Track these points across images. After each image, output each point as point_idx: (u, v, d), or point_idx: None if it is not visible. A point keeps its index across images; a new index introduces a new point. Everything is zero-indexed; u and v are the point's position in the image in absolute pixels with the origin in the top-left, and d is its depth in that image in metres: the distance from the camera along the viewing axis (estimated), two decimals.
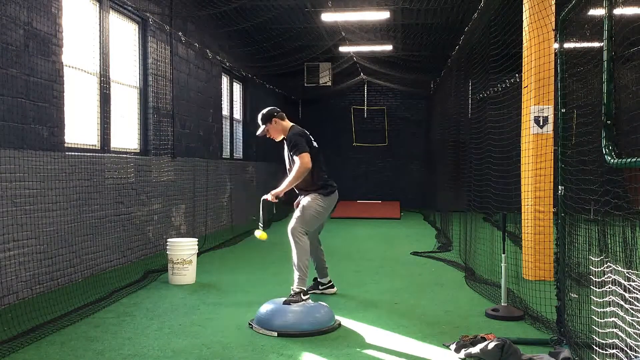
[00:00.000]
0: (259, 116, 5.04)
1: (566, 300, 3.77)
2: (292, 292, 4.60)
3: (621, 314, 2.85)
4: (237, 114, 12.17)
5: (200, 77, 9.33)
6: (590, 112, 3.88)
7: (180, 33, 8.41)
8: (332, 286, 5.47)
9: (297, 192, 5.12)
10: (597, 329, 3.09)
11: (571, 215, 3.82)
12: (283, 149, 5.10)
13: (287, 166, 5.09)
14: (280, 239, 9.53)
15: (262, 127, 5.03)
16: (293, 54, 12.04)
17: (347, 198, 15.37)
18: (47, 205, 5.25)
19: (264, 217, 5.11)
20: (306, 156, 4.75)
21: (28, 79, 5.04)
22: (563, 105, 3.87)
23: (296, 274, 4.71)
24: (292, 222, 4.86)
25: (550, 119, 5.79)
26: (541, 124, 5.83)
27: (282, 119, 5.03)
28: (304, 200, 4.98)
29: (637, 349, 2.68)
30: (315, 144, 5.01)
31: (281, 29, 11.16)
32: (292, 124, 5.06)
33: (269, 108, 5.09)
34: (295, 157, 4.79)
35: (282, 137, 5.04)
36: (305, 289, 4.66)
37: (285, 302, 4.38)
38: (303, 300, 4.50)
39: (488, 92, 9.88)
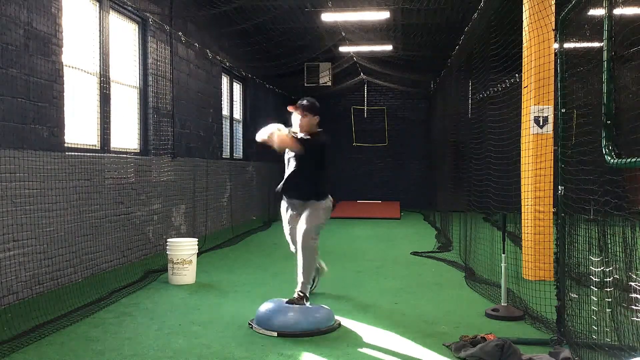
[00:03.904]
0: (312, 102, 4.76)
1: (566, 300, 3.77)
2: (296, 295, 4.56)
3: (621, 314, 2.85)
4: (237, 114, 12.17)
5: (200, 77, 9.33)
6: (590, 112, 3.88)
7: (180, 33, 8.41)
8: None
9: (298, 193, 4.83)
10: (597, 329, 3.09)
11: (571, 215, 3.82)
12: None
13: (288, 166, 4.89)
14: (280, 239, 9.54)
15: (307, 113, 4.71)
16: (293, 54, 12.04)
17: (347, 198, 15.38)
18: (47, 205, 5.25)
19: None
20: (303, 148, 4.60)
21: (28, 79, 5.04)
22: (563, 105, 3.87)
23: (303, 278, 4.66)
24: (306, 224, 4.66)
25: (550, 119, 5.79)
26: (541, 124, 5.83)
27: (318, 122, 4.86)
28: (318, 205, 4.76)
29: (637, 349, 2.68)
30: None
31: (281, 29, 11.16)
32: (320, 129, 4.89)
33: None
34: (305, 145, 4.58)
35: (304, 134, 4.73)
36: (308, 295, 4.68)
37: (288, 302, 4.40)
38: (305, 305, 4.49)
39: (488, 92, 9.88)
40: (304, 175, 4.76)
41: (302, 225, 4.71)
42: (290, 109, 4.80)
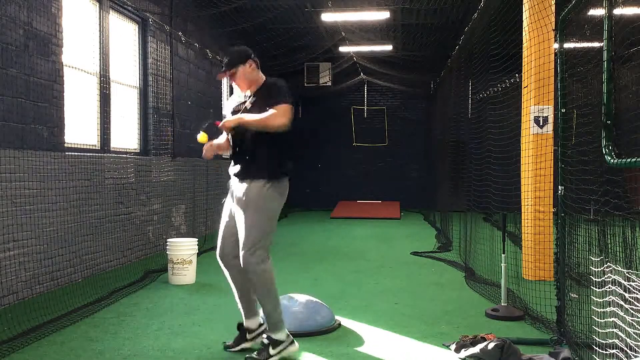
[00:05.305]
0: (232, 51, 3.69)
1: (566, 300, 3.77)
2: (263, 344, 3.53)
3: (621, 314, 2.85)
4: None
5: (200, 77, 9.33)
6: (590, 112, 3.88)
7: (180, 33, 8.41)
8: (261, 334, 3.74)
9: (231, 174, 3.64)
10: (597, 329, 3.09)
11: (571, 215, 3.82)
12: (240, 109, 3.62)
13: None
14: (280, 239, 9.55)
15: (234, 68, 3.60)
16: (293, 54, 12.04)
17: (347, 198, 15.37)
18: (47, 205, 5.25)
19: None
20: (290, 112, 3.40)
21: (28, 79, 5.04)
22: (563, 105, 3.87)
23: (266, 317, 3.52)
24: (243, 239, 3.41)
25: (550, 119, 5.79)
26: (541, 124, 5.83)
27: (258, 67, 3.68)
28: (246, 192, 3.44)
29: (637, 349, 2.68)
30: None
31: (281, 29, 11.16)
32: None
33: (242, 46, 3.76)
34: (277, 106, 3.38)
35: (248, 89, 3.65)
36: (282, 338, 3.48)
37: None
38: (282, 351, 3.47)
39: (488, 92, 9.87)
40: (250, 141, 3.55)
41: (239, 232, 3.47)
42: (220, 77, 3.85)
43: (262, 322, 3.78)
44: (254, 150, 3.50)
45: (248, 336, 3.75)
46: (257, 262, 3.41)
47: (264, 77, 3.70)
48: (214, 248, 7.95)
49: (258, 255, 3.42)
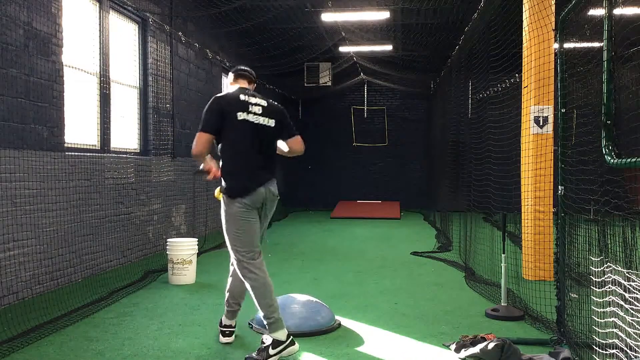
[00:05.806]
0: None
1: (566, 300, 3.77)
2: (263, 343, 3.55)
3: (621, 314, 2.85)
4: None
5: (200, 77, 9.33)
6: (590, 112, 3.88)
7: (180, 33, 8.41)
8: (229, 335, 3.90)
9: None
10: (597, 329, 3.10)
11: (571, 215, 3.82)
12: None
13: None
14: (280, 239, 9.57)
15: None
16: (293, 54, 12.04)
17: (347, 198, 15.38)
18: (47, 205, 5.25)
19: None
20: (199, 140, 3.53)
21: (28, 79, 5.04)
22: (563, 105, 3.87)
23: (263, 317, 3.56)
24: (229, 248, 3.69)
25: (550, 119, 5.80)
26: (541, 124, 5.84)
27: (234, 80, 3.88)
28: (223, 201, 3.69)
29: (637, 349, 2.68)
30: (252, 117, 3.59)
31: (281, 29, 11.16)
32: (237, 86, 3.81)
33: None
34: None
35: None
36: (282, 338, 3.48)
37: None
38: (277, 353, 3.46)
39: (488, 92, 9.88)
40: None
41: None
42: None
43: (232, 327, 3.93)
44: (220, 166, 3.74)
45: (220, 326, 3.96)
46: (241, 267, 3.61)
47: (228, 91, 3.81)
48: (214, 248, 8.01)
49: (241, 261, 3.61)
